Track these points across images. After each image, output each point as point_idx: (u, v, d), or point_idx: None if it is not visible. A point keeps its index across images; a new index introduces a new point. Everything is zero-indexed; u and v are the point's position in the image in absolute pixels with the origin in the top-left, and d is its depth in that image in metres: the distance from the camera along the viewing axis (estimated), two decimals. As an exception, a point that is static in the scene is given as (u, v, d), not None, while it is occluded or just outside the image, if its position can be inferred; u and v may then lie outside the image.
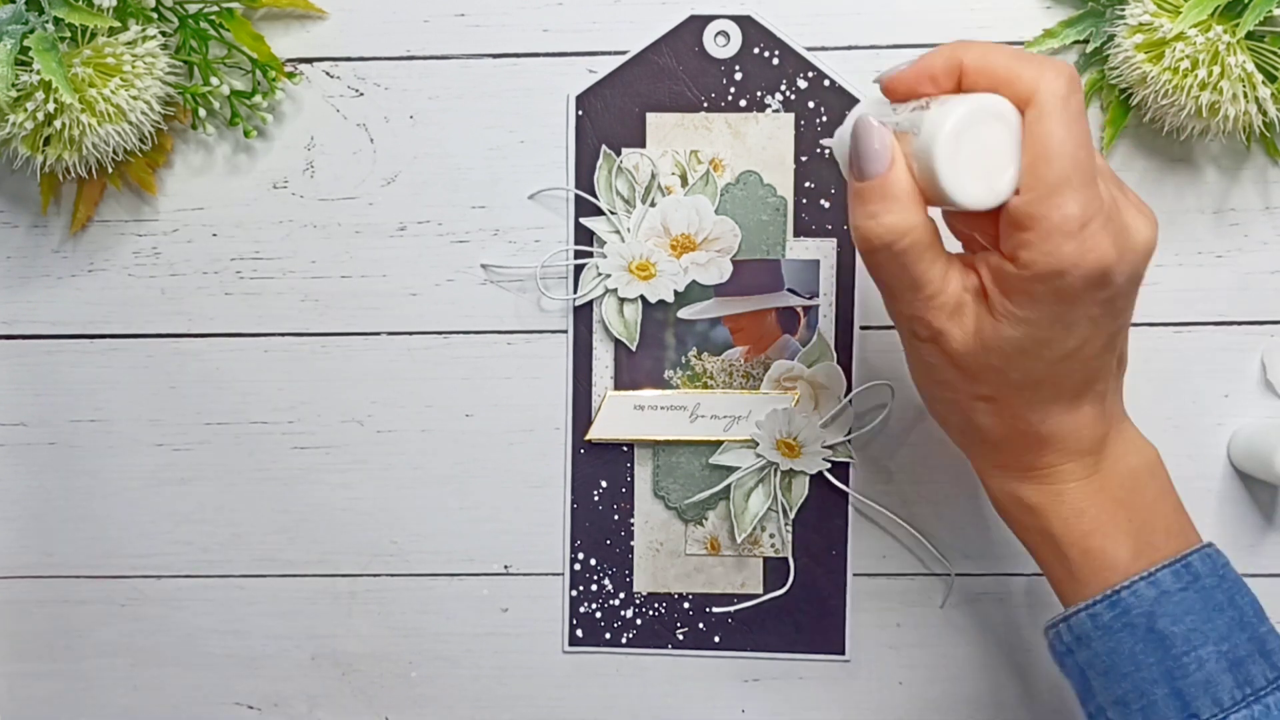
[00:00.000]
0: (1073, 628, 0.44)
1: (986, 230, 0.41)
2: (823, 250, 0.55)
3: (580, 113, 0.55)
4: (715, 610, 0.57)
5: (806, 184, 0.55)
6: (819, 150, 0.54)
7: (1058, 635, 0.45)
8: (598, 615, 0.57)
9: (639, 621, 0.57)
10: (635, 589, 0.57)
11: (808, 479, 0.56)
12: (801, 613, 0.57)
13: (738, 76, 0.54)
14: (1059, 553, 0.44)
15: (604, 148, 0.55)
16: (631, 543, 0.57)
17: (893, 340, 0.55)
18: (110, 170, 0.54)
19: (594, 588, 0.57)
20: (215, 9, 0.52)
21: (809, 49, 0.54)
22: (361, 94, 0.55)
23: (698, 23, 0.54)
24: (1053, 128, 0.37)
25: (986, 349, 0.40)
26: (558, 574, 0.57)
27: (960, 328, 0.40)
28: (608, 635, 0.57)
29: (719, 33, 0.54)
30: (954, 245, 0.44)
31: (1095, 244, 0.37)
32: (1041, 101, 0.37)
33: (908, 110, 0.40)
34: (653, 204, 0.54)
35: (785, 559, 0.56)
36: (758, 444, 0.55)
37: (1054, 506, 0.43)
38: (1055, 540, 0.43)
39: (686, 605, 0.57)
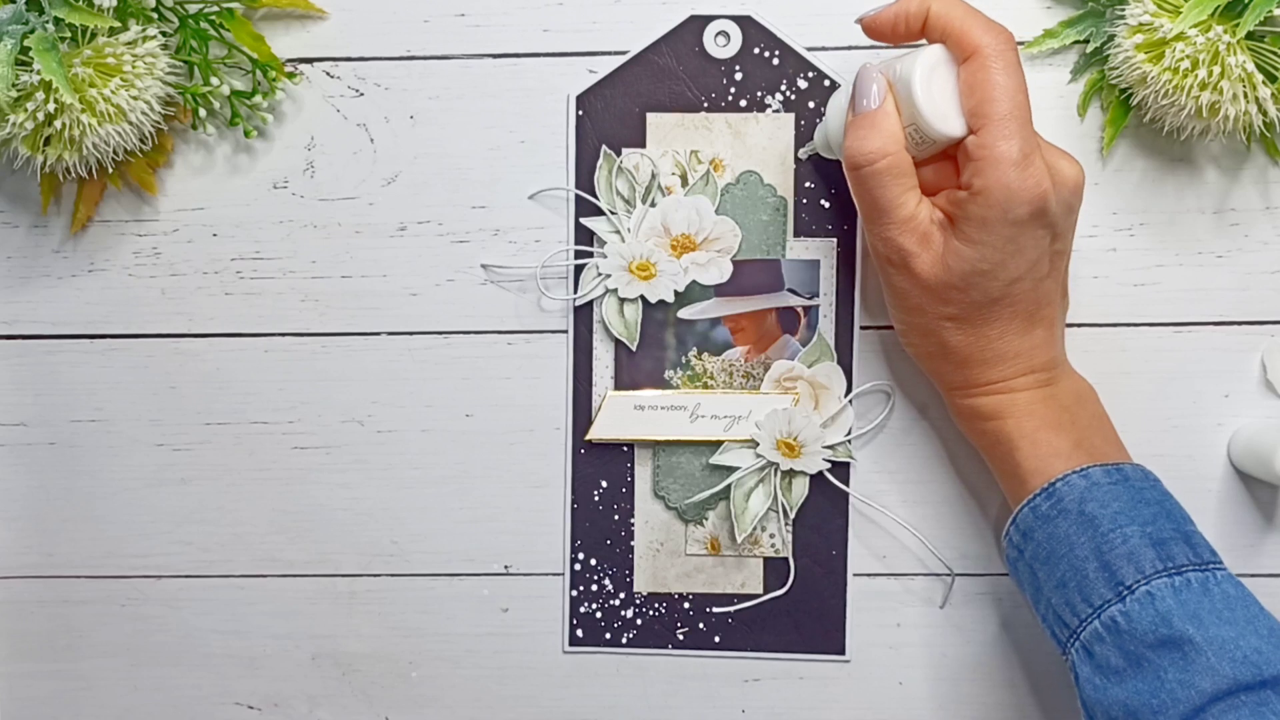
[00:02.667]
0: (1019, 525, 0.49)
1: (948, 179, 0.48)
2: (823, 250, 0.55)
3: (580, 113, 0.55)
4: (715, 610, 0.57)
5: (806, 184, 0.55)
6: (800, 158, 0.54)
7: (1009, 540, 0.50)
8: (598, 615, 0.57)
9: (639, 621, 0.57)
10: (635, 589, 0.57)
11: (808, 479, 0.56)
12: (801, 613, 0.57)
13: (738, 76, 0.54)
14: (1010, 446, 0.49)
15: (604, 148, 0.55)
16: (631, 543, 0.57)
17: (893, 340, 0.55)
18: (110, 170, 0.54)
19: (594, 588, 0.57)
20: (215, 9, 0.52)
21: (809, 49, 0.54)
22: (361, 94, 0.55)
23: (698, 23, 0.54)
24: (995, 74, 0.45)
25: (949, 270, 0.47)
26: (558, 574, 0.57)
27: (928, 252, 0.47)
28: (608, 635, 0.57)
29: (719, 33, 0.54)
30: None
31: (1033, 173, 0.45)
32: (985, 53, 0.45)
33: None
34: (653, 204, 0.54)
35: (785, 559, 0.56)
36: (758, 444, 0.55)
37: (1008, 409, 0.49)
38: (1008, 436, 0.49)
39: (686, 605, 0.57)
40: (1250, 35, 0.48)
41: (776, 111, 0.54)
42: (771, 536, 0.56)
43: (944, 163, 0.48)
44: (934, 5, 0.46)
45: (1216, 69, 0.48)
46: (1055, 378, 0.50)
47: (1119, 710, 0.45)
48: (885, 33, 0.48)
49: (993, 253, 0.46)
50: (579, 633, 0.58)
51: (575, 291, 0.55)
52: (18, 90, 0.48)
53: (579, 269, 0.55)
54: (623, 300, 0.55)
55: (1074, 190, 0.47)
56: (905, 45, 0.49)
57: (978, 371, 0.49)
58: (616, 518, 0.57)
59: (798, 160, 0.54)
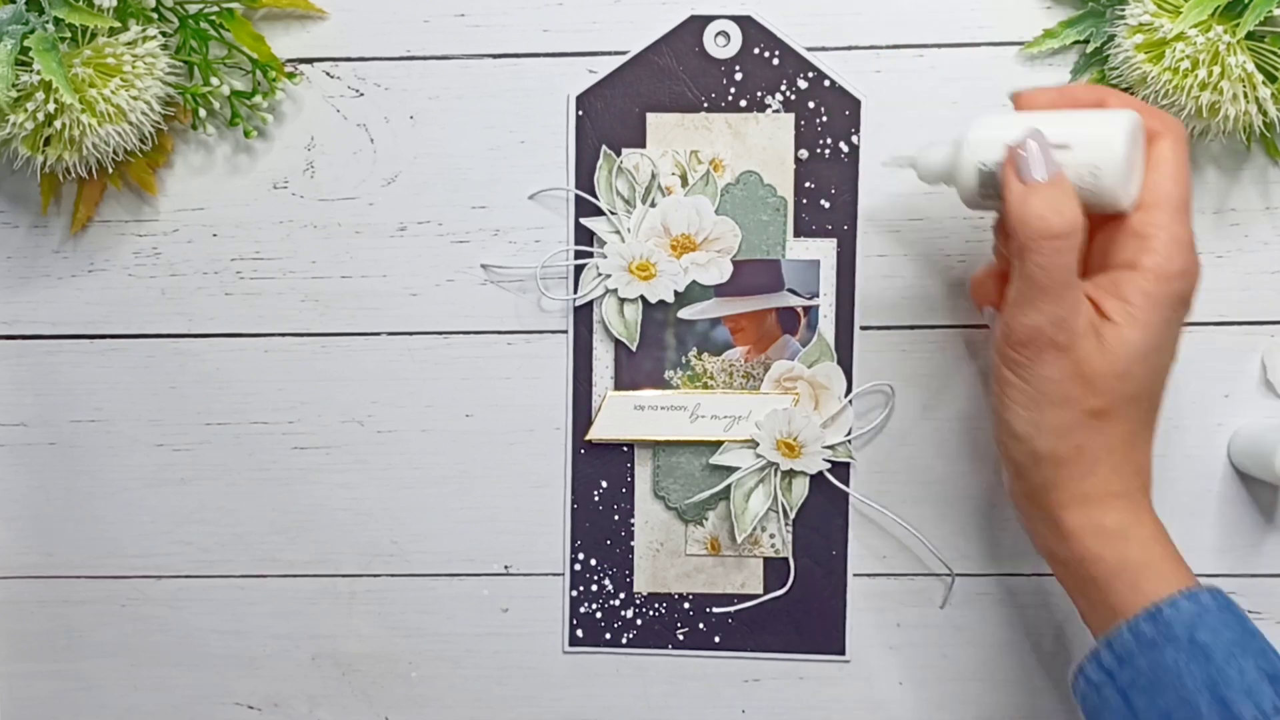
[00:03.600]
0: (1114, 647, 0.45)
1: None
2: (823, 250, 0.55)
3: (580, 113, 0.55)
4: (715, 610, 0.57)
5: (806, 184, 0.55)
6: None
7: (1097, 664, 0.46)
8: (598, 615, 0.57)
9: (639, 622, 0.57)
10: (635, 589, 0.57)
11: (808, 479, 0.56)
12: (801, 613, 0.57)
13: (738, 76, 0.54)
14: (1133, 576, 0.45)
15: (604, 148, 0.55)
16: (631, 543, 0.57)
17: (893, 340, 0.55)
18: (110, 170, 0.54)
19: (594, 588, 0.57)
20: (215, 9, 0.52)
21: (809, 49, 0.54)
22: (361, 94, 0.55)
23: (698, 23, 0.54)
24: (1180, 159, 0.45)
25: (1111, 355, 0.44)
26: (558, 574, 0.57)
27: (1092, 337, 0.44)
28: (608, 635, 0.57)
29: (719, 33, 0.54)
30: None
31: (1196, 260, 0.45)
32: (1174, 137, 0.45)
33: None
34: (653, 204, 0.54)
35: (785, 559, 0.56)
36: (758, 444, 0.55)
37: (1135, 530, 0.46)
38: (1135, 566, 0.45)
39: (686, 605, 0.57)
40: (1250, 35, 0.48)
41: (776, 111, 0.54)
42: (771, 536, 0.56)
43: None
44: (1111, 98, 0.46)
45: (1216, 69, 0.48)
46: (1151, 502, 0.48)
47: None
48: (1045, 108, 0.47)
49: (1154, 336, 0.44)
50: (579, 633, 0.58)
51: (575, 291, 0.55)
52: (18, 90, 0.48)
53: (579, 269, 0.55)
54: (623, 300, 0.55)
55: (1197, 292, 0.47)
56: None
57: (1105, 479, 0.46)
58: (616, 518, 0.57)
59: (798, 160, 0.54)
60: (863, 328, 0.55)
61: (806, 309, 0.55)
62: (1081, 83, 0.47)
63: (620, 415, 0.56)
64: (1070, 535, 0.47)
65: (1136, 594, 0.45)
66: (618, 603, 0.57)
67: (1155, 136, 0.45)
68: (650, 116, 0.55)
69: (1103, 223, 0.46)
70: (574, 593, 0.57)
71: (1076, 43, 0.53)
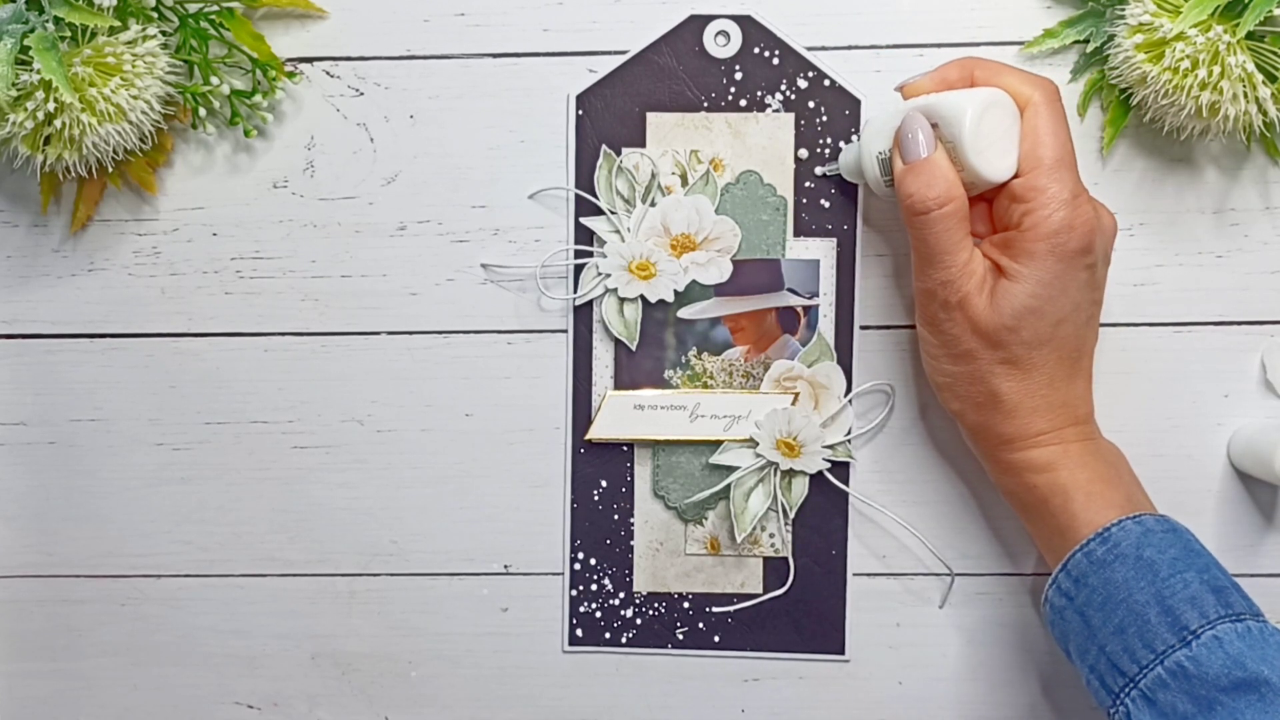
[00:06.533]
0: (1070, 571, 0.49)
1: (982, 222, 0.50)
2: (823, 250, 0.55)
3: (580, 112, 0.55)
4: (715, 610, 0.57)
5: (806, 184, 0.55)
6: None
7: (1057, 589, 0.49)
8: (598, 615, 0.57)
9: (639, 621, 0.57)
10: (635, 589, 0.57)
11: (808, 479, 0.56)
12: (801, 613, 0.57)
13: (738, 76, 0.54)
14: (1065, 498, 0.49)
15: (604, 147, 0.55)
16: (631, 542, 0.57)
17: (893, 340, 0.55)
18: (110, 169, 0.54)
19: (594, 587, 0.57)
20: (215, 8, 0.52)
21: (809, 49, 0.54)
22: (361, 94, 0.55)
23: (698, 22, 0.54)
24: (1047, 121, 0.47)
25: (1001, 311, 0.47)
26: (558, 574, 0.57)
27: (982, 295, 0.48)
28: (608, 635, 0.57)
29: (719, 32, 0.54)
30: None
31: (1083, 212, 0.47)
32: (1037, 103, 0.48)
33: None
34: (653, 204, 0.54)
35: (785, 559, 0.56)
36: (758, 444, 0.55)
37: (1063, 459, 0.50)
38: (1062, 488, 0.49)
39: (686, 605, 0.57)
40: (1250, 35, 0.48)
41: (776, 111, 0.54)
42: (771, 536, 0.56)
43: (978, 205, 0.50)
44: (977, 71, 0.48)
45: (1216, 69, 0.48)
46: (1094, 434, 0.51)
47: None
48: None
49: (1042, 289, 0.47)
50: (579, 632, 0.58)
51: (575, 291, 0.55)
52: (18, 90, 0.48)
53: (579, 269, 0.55)
54: (623, 300, 0.55)
55: (1111, 238, 0.50)
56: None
57: (1028, 420, 0.49)
58: (616, 517, 0.57)
59: (798, 160, 0.54)
60: (863, 328, 0.55)
61: (806, 309, 0.55)
62: (953, 59, 0.49)
63: (620, 415, 0.56)
64: (1006, 469, 0.51)
65: (1072, 518, 0.49)
66: (617, 602, 0.57)
67: (1028, 101, 0.47)
68: (650, 116, 0.55)
69: (1001, 185, 0.48)
70: (574, 592, 0.57)
71: (1076, 42, 0.53)
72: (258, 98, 0.53)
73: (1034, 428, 0.50)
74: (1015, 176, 0.48)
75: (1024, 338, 0.48)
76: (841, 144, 0.54)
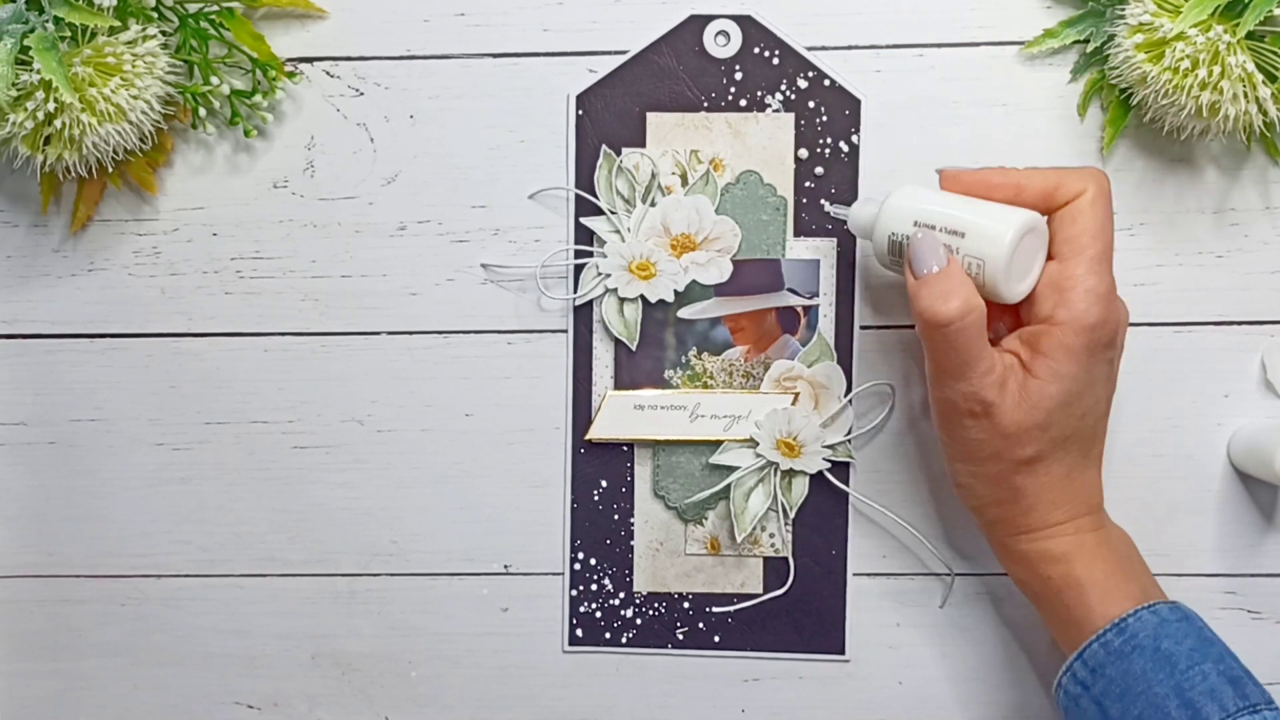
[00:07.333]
0: (1087, 661, 0.48)
1: (1001, 318, 0.50)
2: (823, 250, 0.55)
3: (580, 112, 0.55)
4: (715, 610, 0.57)
5: (806, 184, 0.55)
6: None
7: (1072, 676, 0.49)
8: (598, 615, 0.57)
9: (639, 621, 0.57)
10: (635, 589, 0.57)
11: (808, 479, 0.56)
12: (801, 613, 0.57)
13: (738, 76, 0.54)
14: (1080, 591, 0.49)
15: (604, 147, 0.55)
16: (631, 542, 0.57)
17: (893, 340, 0.55)
18: (110, 169, 0.54)
19: (594, 587, 0.57)
20: (215, 8, 0.52)
21: (809, 49, 0.54)
22: (361, 94, 0.55)
23: (698, 22, 0.54)
24: (1098, 212, 0.47)
25: (1034, 409, 0.47)
26: (558, 574, 0.57)
27: (1008, 397, 0.47)
28: (608, 635, 0.57)
29: (719, 32, 0.54)
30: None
31: (1116, 307, 0.47)
32: (1090, 194, 0.47)
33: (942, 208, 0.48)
34: (653, 204, 0.54)
35: (785, 559, 0.56)
36: (758, 444, 0.55)
37: (1077, 551, 0.49)
38: (1078, 581, 0.49)
39: (686, 605, 0.57)
40: (1250, 35, 0.48)
41: (776, 111, 0.54)
42: (771, 536, 0.56)
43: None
44: (1027, 184, 0.48)
45: (1216, 69, 0.48)
46: (1105, 522, 0.51)
47: None
48: (966, 193, 0.49)
49: (1074, 384, 0.47)
50: (579, 632, 0.58)
51: (575, 291, 0.55)
52: (18, 90, 0.48)
53: (579, 269, 0.55)
54: (623, 300, 0.55)
55: (1126, 328, 0.50)
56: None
57: (1044, 513, 0.49)
58: (616, 517, 0.57)
59: (798, 160, 0.54)
60: (863, 328, 0.55)
61: (806, 309, 0.55)
62: (1003, 166, 0.49)
63: (620, 415, 0.56)
64: (1020, 560, 0.51)
65: (1087, 610, 0.49)
66: (617, 602, 0.57)
67: (1080, 194, 0.47)
68: (650, 116, 0.55)
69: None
70: (574, 592, 0.57)
71: (1076, 42, 0.53)
72: (258, 98, 0.53)
73: (1051, 519, 0.49)
74: (1051, 261, 0.47)
75: (1054, 435, 0.48)
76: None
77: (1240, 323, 0.55)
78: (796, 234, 0.55)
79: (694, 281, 0.55)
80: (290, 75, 0.55)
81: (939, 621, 0.57)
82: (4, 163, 0.54)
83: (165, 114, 0.52)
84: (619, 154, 0.55)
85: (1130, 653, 0.47)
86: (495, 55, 0.55)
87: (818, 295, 0.55)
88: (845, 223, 0.52)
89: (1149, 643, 0.47)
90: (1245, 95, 0.48)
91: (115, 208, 0.56)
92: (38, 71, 0.48)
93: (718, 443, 0.56)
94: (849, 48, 0.54)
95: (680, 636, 0.57)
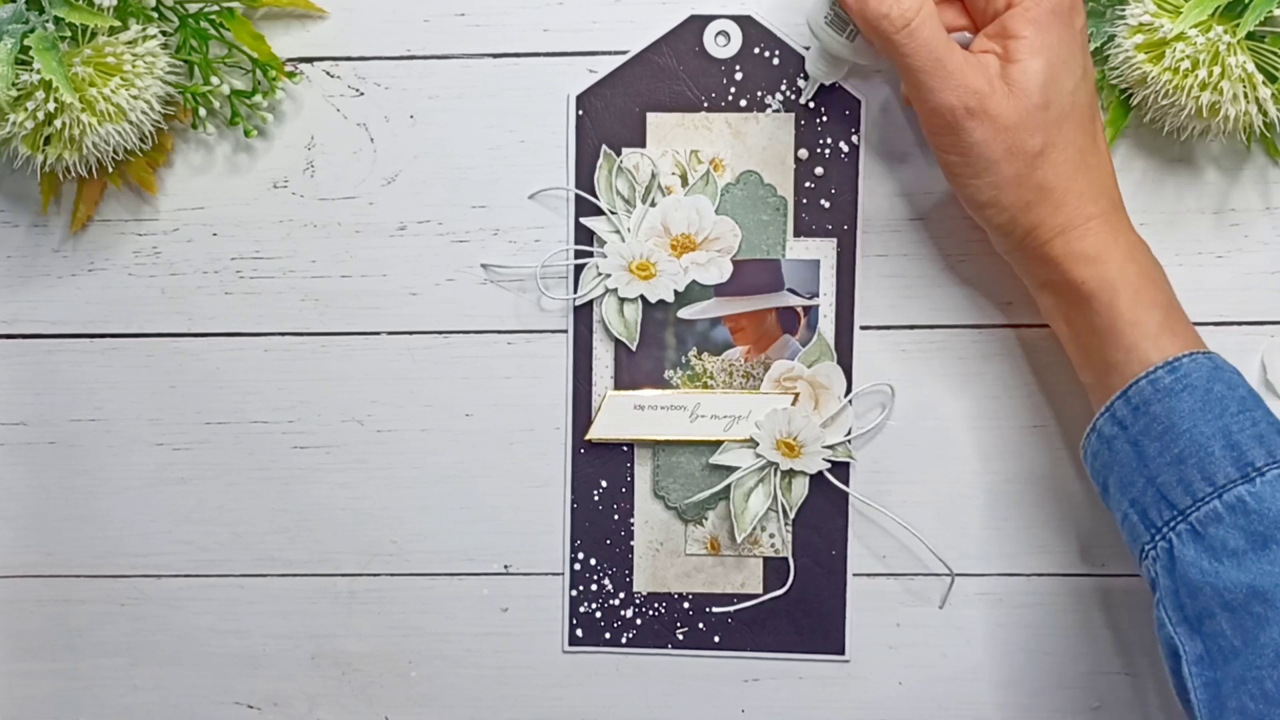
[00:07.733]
0: (1130, 399, 0.47)
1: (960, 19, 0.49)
2: (823, 250, 0.55)
3: (580, 113, 0.55)
4: (715, 610, 0.57)
5: (806, 184, 0.55)
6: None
7: (1110, 417, 0.48)
8: (598, 615, 0.57)
9: (639, 621, 0.57)
10: (635, 589, 0.57)
11: (808, 479, 0.56)
12: (801, 613, 0.57)
13: (738, 76, 0.54)
14: (1111, 297, 0.47)
15: (604, 148, 0.55)
16: (631, 543, 0.57)
17: (893, 340, 0.55)
18: (110, 169, 0.54)
19: (594, 588, 0.57)
20: (215, 8, 0.52)
21: (809, 49, 0.54)
22: (361, 94, 0.55)
23: (698, 23, 0.54)
24: None
25: (1029, 92, 0.46)
26: (558, 574, 0.57)
27: (997, 88, 0.46)
28: (608, 635, 0.57)
29: (719, 33, 0.54)
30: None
31: None
32: None
33: None
34: (653, 204, 0.54)
35: (785, 559, 0.56)
36: (758, 444, 0.55)
37: (1111, 250, 0.48)
38: (1111, 284, 0.47)
39: (686, 605, 0.57)
40: (1250, 35, 0.48)
41: (776, 111, 0.54)
42: (771, 536, 0.56)
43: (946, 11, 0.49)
44: None
45: (1217, 69, 0.48)
46: (1126, 226, 0.49)
47: (1240, 592, 0.43)
48: None
49: (1054, 55, 0.46)
50: (579, 632, 0.58)
51: (575, 291, 0.55)
52: (18, 90, 0.48)
53: (579, 269, 0.55)
54: (623, 300, 0.55)
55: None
56: None
57: (1075, 206, 0.48)
58: (616, 517, 0.57)
59: (798, 160, 0.54)
60: (863, 328, 0.55)
61: (806, 309, 0.55)
62: None
63: (620, 415, 0.56)
64: (1054, 263, 0.49)
65: (1130, 350, 0.47)
66: (617, 602, 0.57)
67: None
68: (650, 116, 0.55)
69: None
70: (574, 592, 0.57)
71: (1077, 43, 0.53)
72: (258, 98, 0.53)
73: (1084, 211, 0.48)
74: None
75: (1051, 115, 0.47)
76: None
77: (1240, 323, 0.55)
78: (796, 234, 0.55)
79: (694, 282, 0.55)
80: (290, 75, 0.54)
81: (939, 621, 0.57)
82: (4, 163, 0.54)
83: (165, 114, 0.52)
84: (619, 154, 0.55)
85: (1181, 390, 0.46)
86: (495, 55, 0.55)
87: (818, 295, 0.55)
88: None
89: (1201, 384, 0.46)
90: (1245, 96, 0.48)
91: (115, 208, 0.56)
92: (38, 71, 0.48)
93: (718, 443, 0.56)
94: (849, 48, 0.54)
95: (680, 637, 0.57)
